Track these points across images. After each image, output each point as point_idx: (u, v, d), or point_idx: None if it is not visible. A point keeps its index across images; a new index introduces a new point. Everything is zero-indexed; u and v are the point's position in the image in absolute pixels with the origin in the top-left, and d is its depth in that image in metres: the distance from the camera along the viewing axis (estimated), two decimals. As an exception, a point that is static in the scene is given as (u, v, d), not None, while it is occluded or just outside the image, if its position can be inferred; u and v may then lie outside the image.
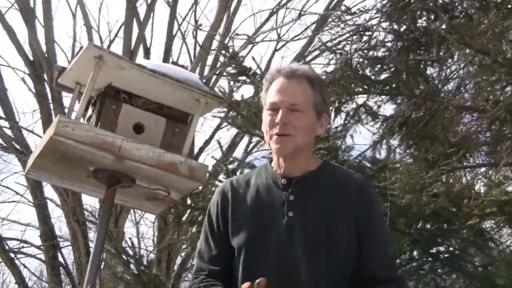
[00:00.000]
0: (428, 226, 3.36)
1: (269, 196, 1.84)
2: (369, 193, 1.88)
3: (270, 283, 1.65)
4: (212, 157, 4.06)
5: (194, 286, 1.86)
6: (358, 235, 1.79)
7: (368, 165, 3.64)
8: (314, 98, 1.83)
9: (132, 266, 4.24)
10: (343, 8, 5.41)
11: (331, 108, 4.21)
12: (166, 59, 10.02)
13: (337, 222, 1.78)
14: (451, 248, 3.35)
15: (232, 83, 4.25)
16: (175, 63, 2.10)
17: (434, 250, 3.41)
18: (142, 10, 10.56)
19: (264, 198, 1.84)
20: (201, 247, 1.93)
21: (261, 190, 1.86)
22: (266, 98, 1.87)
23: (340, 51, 4.66)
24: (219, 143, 4.83)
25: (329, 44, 5.47)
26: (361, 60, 4.67)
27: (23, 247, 11.91)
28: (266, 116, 1.85)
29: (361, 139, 5.56)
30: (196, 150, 9.97)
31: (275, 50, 11.63)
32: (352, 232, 1.78)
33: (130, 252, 4.37)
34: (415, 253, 3.50)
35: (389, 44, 4.69)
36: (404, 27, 4.56)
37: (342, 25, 5.12)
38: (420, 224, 3.34)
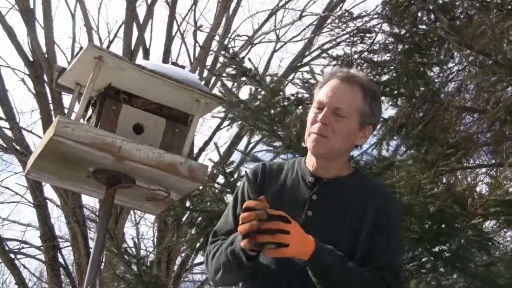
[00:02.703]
0: (431, 224, 3.34)
1: (294, 191, 1.85)
2: (389, 205, 1.85)
3: (282, 278, 1.71)
4: (210, 159, 4.03)
5: (209, 250, 1.86)
6: (368, 241, 1.76)
7: (374, 162, 3.61)
8: (362, 108, 1.82)
9: (133, 266, 4.23)
10: (343, 10, 5.41)
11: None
12: (165, 59, 10.03)
13: (349, 232, 1.76)
14: (454, 247, 3.34)
15: (232, 83, 4.22)
16: (174, 64, 2.09)
17: (436, 249, 3.39)
18: (141, 11, 10.59)
19: (290, 192, 1.85)
20: (219, 225, 1.94)
21: (289, 183, 1.87)
22: (317, 96, 1.88)
23: (341, 57, 4.64)
24: (216, 145, 4.70)
25: (329, 46, 5.47)
26: (361, 62, 4.66)
27: (23, 247, 11.93)
28: (311, 112, 1.86)
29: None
30: (195, 151, 9.96)
31: (274, 51, 11.67)
32: (362, 242, 1.75)
33: (131, 252, 4.35)
34: (417, 252, 3.48)
35: (390, 47, 4.68)
36: (405, 30, 4.54)
37: (342, 27, 5.12)
38: (423, 223, 3.32)
